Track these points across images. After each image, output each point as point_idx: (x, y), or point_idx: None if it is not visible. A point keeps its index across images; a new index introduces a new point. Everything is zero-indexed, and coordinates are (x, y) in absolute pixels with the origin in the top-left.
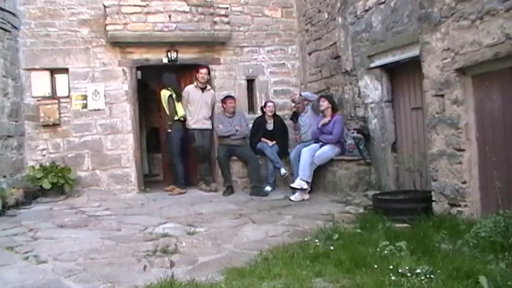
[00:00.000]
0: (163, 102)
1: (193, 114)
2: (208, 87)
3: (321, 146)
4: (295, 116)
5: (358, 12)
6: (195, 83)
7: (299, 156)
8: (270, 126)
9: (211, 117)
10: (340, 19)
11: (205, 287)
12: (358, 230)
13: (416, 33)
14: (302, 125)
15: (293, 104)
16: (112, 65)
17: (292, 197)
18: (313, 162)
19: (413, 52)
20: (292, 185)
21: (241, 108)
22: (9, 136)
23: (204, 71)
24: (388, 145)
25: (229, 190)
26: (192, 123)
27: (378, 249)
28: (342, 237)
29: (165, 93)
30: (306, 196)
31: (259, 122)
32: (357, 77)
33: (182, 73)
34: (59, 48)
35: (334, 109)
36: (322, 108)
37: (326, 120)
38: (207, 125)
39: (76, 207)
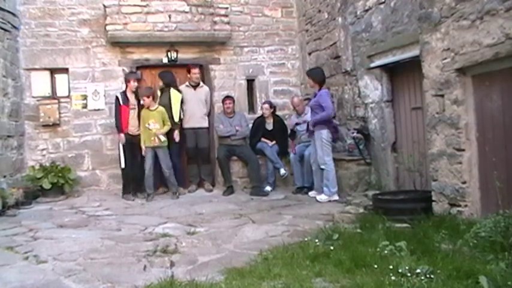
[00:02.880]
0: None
1: (186, 113)
2: (201, 84)
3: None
4: (293, 135)
5: (358, 12)
6: (187, 82)
7: (299, 157)
8: (269, 126)
9: (209, 115)
10: (340, 19)
11: (205, 287)
12: (358, 230)
13: (416, 33)
14: (300, 130)
15: (293, 107)
16: (112, 65)
17: (318, 197)
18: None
19: (413, 52)
20: (320, 199)
21: (241, 108)
22: (9, 136)
23: (195, 70)
24: (388, 145)
25: (229, 190)
26: (185, 123)
27: (378, 249)
28: (342, 237)
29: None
30: (335, 197)
31: (259, 122)
32: (357, 77)
33: (181, 73)
34: (59, 48)
35: (321, 85)
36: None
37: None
38: (201, 123)
39: (76, 207)
